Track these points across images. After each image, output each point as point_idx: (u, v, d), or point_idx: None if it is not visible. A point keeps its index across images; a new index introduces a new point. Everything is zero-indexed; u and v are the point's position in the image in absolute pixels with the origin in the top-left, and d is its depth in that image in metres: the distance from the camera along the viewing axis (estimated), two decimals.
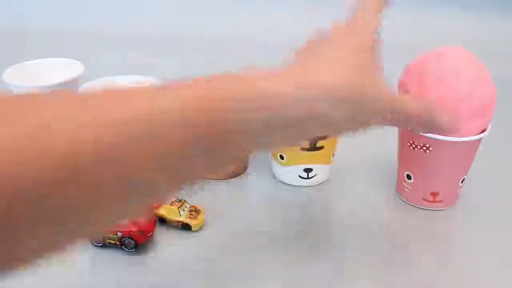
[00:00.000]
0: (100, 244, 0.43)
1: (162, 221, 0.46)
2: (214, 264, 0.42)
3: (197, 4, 1.09)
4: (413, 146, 0.46)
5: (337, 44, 0.30)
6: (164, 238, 0.45)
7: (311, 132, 0.28)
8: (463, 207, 0.50)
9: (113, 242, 0.43)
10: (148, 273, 0.41)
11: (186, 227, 0.46)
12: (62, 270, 0.41)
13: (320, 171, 0.53)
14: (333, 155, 0.53)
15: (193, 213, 0.46)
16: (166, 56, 0.92)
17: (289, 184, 0.54)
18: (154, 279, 0.41)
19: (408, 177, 0.49)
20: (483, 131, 0.45)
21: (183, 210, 0.46)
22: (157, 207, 0.46)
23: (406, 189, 0.50)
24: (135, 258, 0.43)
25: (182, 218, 0.46)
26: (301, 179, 0.53)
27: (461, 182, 0.48)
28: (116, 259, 0.43)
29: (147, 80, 0.50)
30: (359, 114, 0.28)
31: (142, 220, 0.43)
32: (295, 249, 0.45)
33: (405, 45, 1.00)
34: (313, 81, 0.27)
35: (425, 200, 0.49)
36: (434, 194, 0.48)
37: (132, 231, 0.42)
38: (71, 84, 0.57)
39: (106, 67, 0.66)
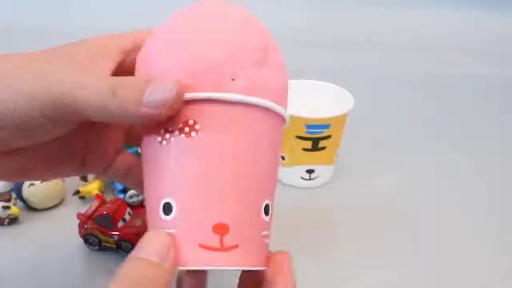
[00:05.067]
0: (97, 248, 0.42)
1: None
2: None
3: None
4: None
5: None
6: None
7: None
8: None
9: (109, 245, 0.41)
10: None
11: None
12: (58, 275, 0.40)
13: (323, 172, 0.52)
14: (335, 155, 0.52)
15: None
16: None
17: (291, 186, 0.52)
18: None
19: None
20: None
21: None
22: None
23: None
24: None
25: None
26: (303, 180, 0.52)
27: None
28: (113, 262, 0.41)
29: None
30: None
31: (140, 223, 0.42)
32: (296, 252, 0.43)
33: (405, 45, 0.99)
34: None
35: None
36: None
37: (129, 234, 0.41)
38: None
39: None
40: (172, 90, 0.23)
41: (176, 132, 0.24)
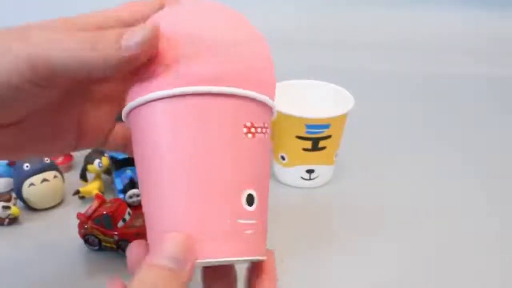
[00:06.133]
0: (97, 248, 0.42)
1: None
2: None
3: None
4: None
5: None
6: None
7: None
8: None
9: (109, 245, 0.41)
10: None
11: None
12: (58, 274, 0.40)
13: (323, 172, 0.52)
14: (335, 155, 0.52)
15: None
16: None
17: (291, 186, 0.52)
18: None
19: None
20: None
21: None
22: None
23: None
24: None
25: None
26: (303, 180, 0.52)
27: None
28: (113, 263, 0.41)
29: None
30: None
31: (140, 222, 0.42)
32: (296, 252, 0.43)
33: (405, 45, 0.99)
34: None
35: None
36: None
37: (129, 234, 0.41)
38: None
39: None
40: (148, 28, 0.23)
41: (259, 130, 0.26)
